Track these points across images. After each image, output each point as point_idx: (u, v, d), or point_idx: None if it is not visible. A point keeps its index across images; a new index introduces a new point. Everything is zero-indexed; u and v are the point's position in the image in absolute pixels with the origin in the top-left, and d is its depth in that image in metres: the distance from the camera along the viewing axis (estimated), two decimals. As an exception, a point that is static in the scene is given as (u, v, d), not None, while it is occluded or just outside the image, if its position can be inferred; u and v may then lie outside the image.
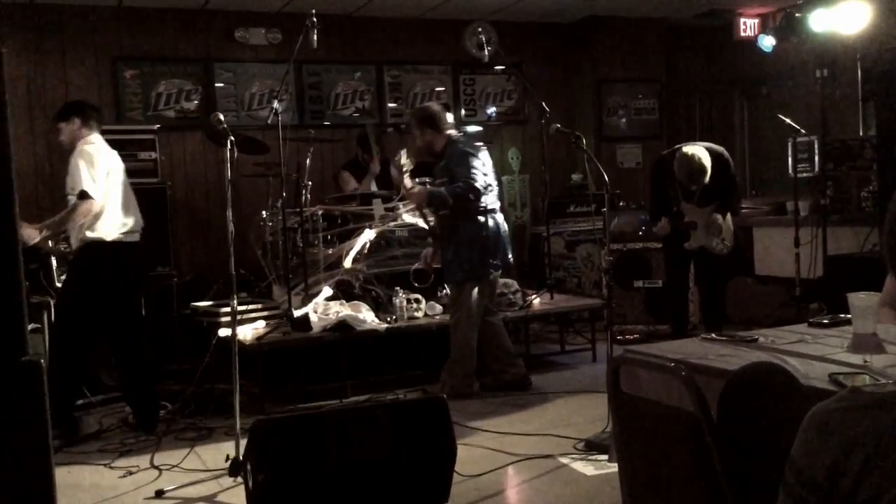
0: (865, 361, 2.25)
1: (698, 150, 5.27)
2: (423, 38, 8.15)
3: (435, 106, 5.73)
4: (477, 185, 5.14)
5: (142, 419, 4.84)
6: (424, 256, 5.82)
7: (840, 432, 1.13)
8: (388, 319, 5.57)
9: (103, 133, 5.01)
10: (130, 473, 4.09)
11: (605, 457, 3.97)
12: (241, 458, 3.59)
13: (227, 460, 3.85)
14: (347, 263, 5.92)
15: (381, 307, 5.78)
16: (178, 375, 5.60)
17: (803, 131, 6.36)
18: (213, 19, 7.39)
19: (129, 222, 4.81)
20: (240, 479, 3.61)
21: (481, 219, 5.26)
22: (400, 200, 6.03)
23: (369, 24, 7.90)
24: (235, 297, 4.01)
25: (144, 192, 5.98)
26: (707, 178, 5.25)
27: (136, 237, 4.87)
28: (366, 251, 5.94)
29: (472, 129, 7.13)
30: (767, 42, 7.56)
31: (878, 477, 1.07)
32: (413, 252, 6.02)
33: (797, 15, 7.06)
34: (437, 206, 5.36)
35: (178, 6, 7.19)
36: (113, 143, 6.22)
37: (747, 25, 8.16)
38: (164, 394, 5.30)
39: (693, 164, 5.21)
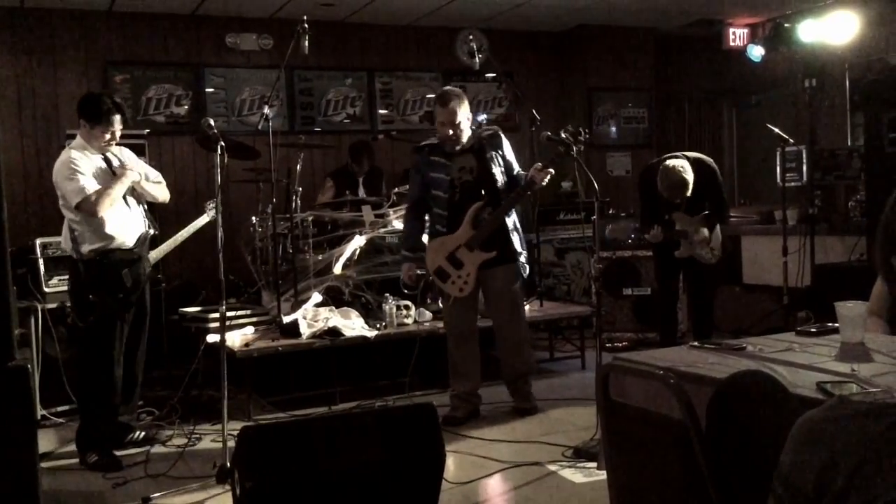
0: (853, 370, 2.25)
1: (680, 164, 5.23)
2: (415, 45, 8.16)
3: None
4: None
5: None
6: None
7: (828, 441, 1.13)
8: (378, 326, 5.56)
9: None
10: (118, 485, 4.04)
11: (594, 464, 3.97)
12: (228, 465, 3.58)
13: (214, 467, 3.83)
14: (337, 270, 5.91)
15: (370, 313, 5.77)
16: (166, 381, 5.58)
17: (791, 141, 6.38)
18: (203, 24, 7.38)
19: None
20: (227, 487, 3.59)
21: None
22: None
23: (360, 31, 7.90)
24: (224, 302, 4.00)
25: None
26: (689, 192, 5.23)
27: None
28: (356, 257, 5.93)
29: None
30: (756, 52, 7.62)
31: (866, 486, 1.08)
32: (403, 259, 5.99)
33: (786, 25, 7.13)
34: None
35: (169, 11, 7.17)
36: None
37: (736, 35, 8.21)
38: (152, 400, 5.27)
39: (674, 177, 5.18)
